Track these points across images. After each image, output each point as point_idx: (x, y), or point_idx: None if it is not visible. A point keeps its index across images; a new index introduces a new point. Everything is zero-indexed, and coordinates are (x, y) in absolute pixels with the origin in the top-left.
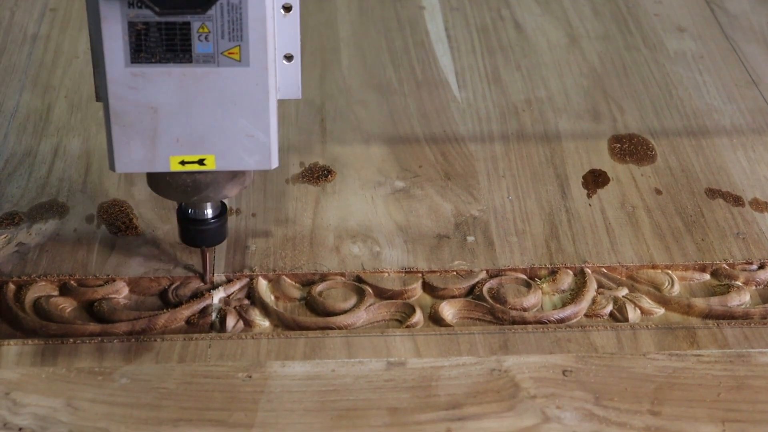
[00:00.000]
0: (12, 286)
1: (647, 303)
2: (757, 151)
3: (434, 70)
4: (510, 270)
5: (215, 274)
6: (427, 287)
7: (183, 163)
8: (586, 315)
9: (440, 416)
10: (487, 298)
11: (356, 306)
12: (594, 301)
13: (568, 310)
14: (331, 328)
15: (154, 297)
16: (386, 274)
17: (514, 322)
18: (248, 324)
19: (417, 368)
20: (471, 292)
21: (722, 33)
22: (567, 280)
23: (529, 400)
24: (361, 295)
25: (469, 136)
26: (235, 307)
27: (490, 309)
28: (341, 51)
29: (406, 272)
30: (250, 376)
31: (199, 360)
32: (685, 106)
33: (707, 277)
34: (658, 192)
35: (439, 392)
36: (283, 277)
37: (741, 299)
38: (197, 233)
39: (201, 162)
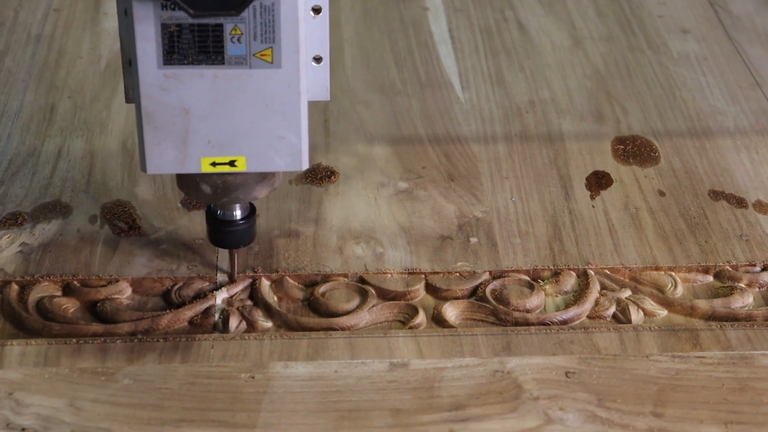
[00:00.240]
0: (15, 287)
1: (650, 305)
2: (761, 152)
3: (437, 71)
4: (513, 271)
5: (218, 274)
6: (430, 288)
7: (214, 164)
8: (589, 316)
9: (443, 417)
10: (490, 299)
11: (359, 307)
12: (597, 303)
13: (571, 312)
14: (334, 329)
15: (157, 297)
16: (389, 275)
17: (517, 323)
18: (251, 325)
19: (420, 369)
20: (474, 293)
21: (726, 35)
22: (570, 281)
23: (531, 402)
24: (364, 296)
25: (473, 137)
26: (238, 308)
27: (493, 310)
28: (345, 51)
29: (409, 273)
30: (253, 377)
31: (202, 360)
32: (688, 107)
33: (710, 278)
34: (662, 194)
35: (441, 393)
36: (286, 277)
37: (744, 301)
38: (225, 234)
39: (232, 163)
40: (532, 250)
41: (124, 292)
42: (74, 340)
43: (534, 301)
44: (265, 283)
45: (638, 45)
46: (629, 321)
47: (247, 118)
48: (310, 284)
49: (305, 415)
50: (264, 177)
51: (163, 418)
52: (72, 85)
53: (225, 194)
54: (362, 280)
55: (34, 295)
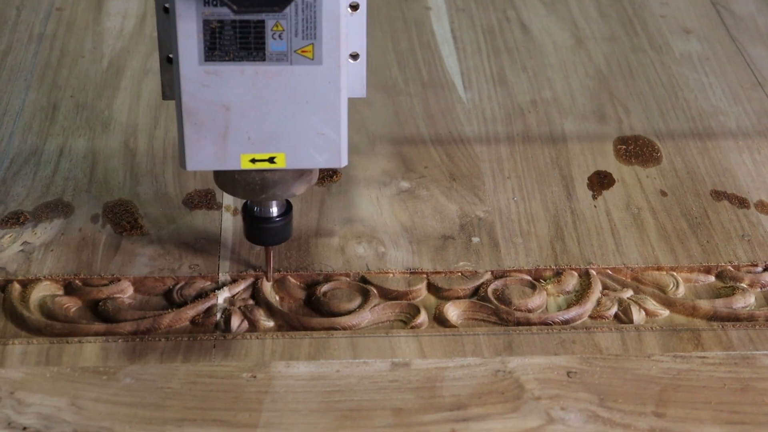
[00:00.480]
0: (17, 286)
1: (652, 305)
2: (763, 153)
3: (440, 70)
4: (515, 271)
5: (220, 274)
6: (432, 288)
7: (253, 161)
8: (590, 316)
9: (444, 417)
10: (492, 299)
11: (361, 306)
12: (599, 303)
13: (573, 312)
14: (336, 329)
15: (159, 297)
16: (391, 275)
17: (518, 323)
18: (253, 324)
19: (421, 369)
20: (476, 293)
21: (728, 35)
22: (572, 281)
23: (533, 402)
24: (365, 295)
25: (475, 137)
26: (239, 307)
27: (495, 310)
28: None
29: (411, 273)
30: (255, 376)
31: (204, 360)
32: (690, 107)
33: (712, 279)
34: (664, 194)
35: (443, 393)
36: (288, 277)
37: (746, 301)
38: (261, 231)
39: (271, 160)
40: (534, 249)
41: (125, 292)
42: (76, 340)
43: (536, 300)
44: (266, 283)
45: (640, 45)
46: (631, 321)
47: (287, 114)
48: (312, 284)
49: (307, 415)
50: (302, 174)
51: (165, 417)
52: (74, 84)
53: (263, 191)
54: (364, 280)
55: (36, 294)
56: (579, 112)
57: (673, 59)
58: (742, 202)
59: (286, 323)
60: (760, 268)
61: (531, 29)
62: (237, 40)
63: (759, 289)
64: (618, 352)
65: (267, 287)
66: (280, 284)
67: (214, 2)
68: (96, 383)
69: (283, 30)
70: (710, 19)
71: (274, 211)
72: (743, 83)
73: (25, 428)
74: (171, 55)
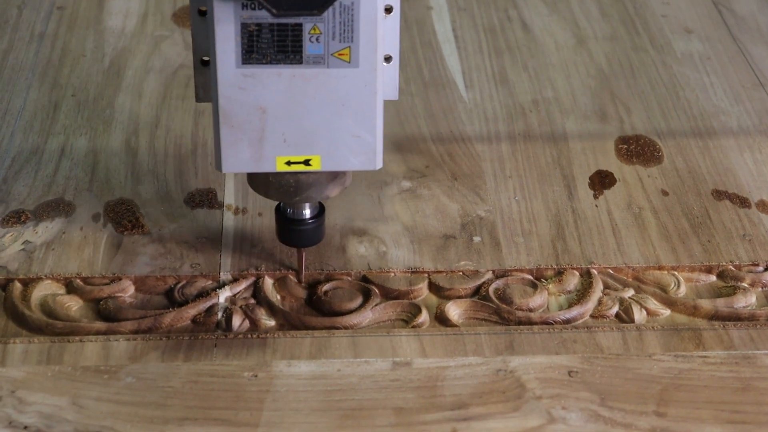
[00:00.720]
0: (18, 285)
1: (653, 304)
2: (764, 152)
3: (441, 70)
4: (516, 270)
5: (221, 273)
6: (433, 287)
7: (289, 163)
8: (592, 316)
9: (446, 416)
10: (493, 298)
11: (362, 306)
12: (600, 302)
13: (574, 311)
14: (337, 328)
15: (160, 296)
16: (392, 274)
17: (520, 322)
18: (254, 323)
19: (423, 368)
20: (477, 292)
21: (729, 34)
22: (573, 280)
23: (534, 401)
24: (367, 294)
25: (476, 136)
26: (241, 307)
27: (496, 309)
28: None
29: (413, 272)
30: (256, 376)
31: (205, 359)
32: (692, 107)
33: (713, 278)
34: (665, 193)
35: (444, 392)
36: (290, 276)
37: (747, 301)
38: (294, 233)
39: (307, 162)
40: (535, 249)
41: (127, 291)
42: (77, 339)
43: (537, 300)
44: (268, 282)
45: (642, 45)
46: (632, 320)
47: (323, 117)
48: (314, 283)
49: (308, 414)
50: (336, 176)
51: (166, 416)
52: (75, 83)
53: (297, 193)
54: (365, 279)
55: (37, 293)
56: (580, 111)
57: (675, 59)
58: (743, 202)
59: (288, 322)
60: (761, 268)
61: (532, 28)
62: (274, 43)
63: (760, 289)
64: (619, 351)
65: (268, 286)
66: (281, 283)
67: (252, 5)
68: (97, 382)
69: (321, 33)
70: (711, 19)
71: (307, 213)
72: (744, 83)
73: (26, 427)
74: (205, 58)
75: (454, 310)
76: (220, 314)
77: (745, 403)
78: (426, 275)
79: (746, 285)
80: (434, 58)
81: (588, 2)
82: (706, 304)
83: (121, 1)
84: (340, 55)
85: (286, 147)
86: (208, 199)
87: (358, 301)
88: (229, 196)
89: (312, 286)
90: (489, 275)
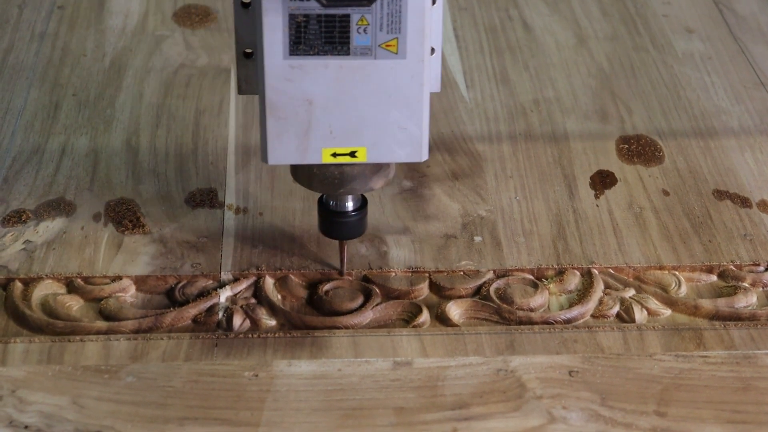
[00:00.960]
0: (19, 284)
1: (654, 304)
2: (765, 152)
3: (442, 69)
4: (517, 270)
5: (222, 273)
6: (434, 287)
7: (335, 155)
8: (592, 316)
9: (446, 416)
10: (494, 298)
11: (363, 305)
12: (601, 302)
13: (575, 311)
14: (338, 328)
15: (161, 295)
16: (393, 274)
17: (520, 322)
18: (255, 323)
19: (423, 368)
20: (478, 292)
21: (730, 34)
22: (574, 280)
23: (535, 401)
24: (367, 294)
25: (477, 136)
26: (241, 306)
27: (497, 309)
28: None
29: (413, 272)
30: (257, 375)
31: (206, 359)
32: (693, 107)
33: (714, 278)
34: (666, 193)
35: (445, 392)
36: (290, 276)
37: (748, 301)
38: (336, 225)
39: (353, 154)
40: (536, 249)
41: (127, 290)
42: (78, 338)
43: (538, 300)
44: (269, 282)
45: (643, 44)
46: (633, 320)
47: (370, 108)
48: (314, 283)
49: (309, 414)
50: (380, 168)
51: (167, 416)
52: (76, 82)
53: (341, 185)
54: (366, 279)
55: (38, 292)
56: (581, 111)
57: (676, 58)
58: (744, 202)
59: (288, 322)
60: (762, 268)
61: (533, 28)
62: (322, 34)
63: (761, 289)
64: (620, 351)
65: (269, 286)
66: (281, 283)
67: None
68: (98, 382)
69: (368, 24)
70: (712, 19)
71: (350, 205)
72: (745, 83)
73: (26, 427)
74: (248, 50)
75: (454, 310)
76: (220, 314)
77: (745, 402)
78: (427, 275)
79: (747, 285)
80: None
81: (589, 2)
82: (706, 304)
83: (121, 1)
84: (387, 46)
85: (332, 139)
86: (209, 198)
87: (359, 300)
88: (230, 195)
89: (312, 286)
90: (490, 275)
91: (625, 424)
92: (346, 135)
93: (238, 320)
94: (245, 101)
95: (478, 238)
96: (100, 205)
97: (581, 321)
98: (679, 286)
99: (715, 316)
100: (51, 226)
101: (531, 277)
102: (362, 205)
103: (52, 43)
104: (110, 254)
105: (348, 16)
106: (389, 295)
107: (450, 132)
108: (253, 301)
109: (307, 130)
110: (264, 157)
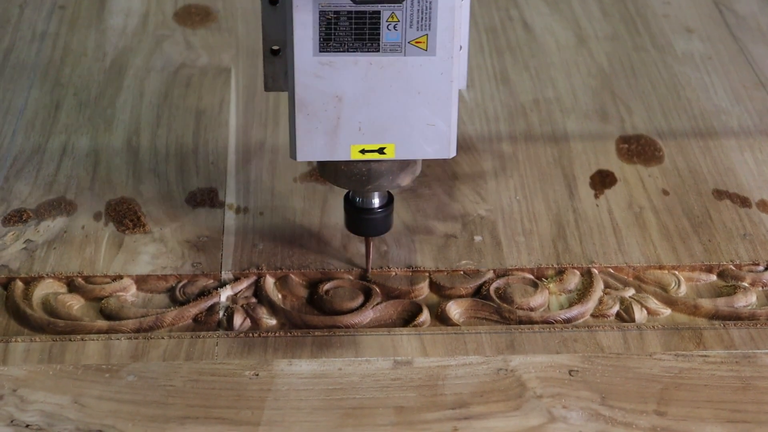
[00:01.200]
0: (20, 284)
1: (654, 303)
2: (765, 152)
3: None
4: (517, 270)
5: (222, 272)
6: (434, 286)
7: (363, 151)
8: (592, 315)
9: (446, 415)
10: (494, 297)
11: (363, 305)
12: (601, 302)
13: (575, 310)
14: (338, 327)
15: (162, 295)
16: (393, 273)
17: (520, 321)
18: (255, 322)
19: (423, 367)
20: (478, 291)
21: (730, 34)
22: (574, 280)
23: (535, 400)
24: (368, 294)
25: (477, 135)
26: (242, 306)
27: (497, 308)
28: None
29: (414, 271)
30: (257, 374)
31: (206, 358)
32: (692, 107)
33: (714, 278)
34: (666, 193)
35: (445, 391)
36: (291, 275)
37: (747, 300)
38: (363, 222)
39: (381, 151)
40: (536, 248)
41: (128, 290)
42: (79, 337)
43: (538, 299)
44: (269, 281)
45: (643, 44)
46: (633, 320)
47: (399, 105)
48: (315, 282)
49: (309, 413)
50: (407, 165)
51: (167, 415)
52: (77, 82)
53: (369, 182)
54: (366, 278)
55: (39, 292)
56: (581, 111)
57: (676, 58)
58: (743, 202)
59: (289, 321)
60: (761, 267)
61: (533, 28)
62: (352, 31)
63: (760, 288)
64: (620, 350)
65: (270, 285)
66: (282, 282)
67: None
68: (99, 381)
69: (399, 21)
70: (712, 19)
71: (376, 202)
72: (745, 83)
73: (27, 426)
74: (275, 48)
75: (454, 310)
76: (221, 313)
77: (745, 402)
78: (427, 274)
79: (746, 284)
80: None
81: (589, 2)
82: (706, 303)
83: (122, 1)
84: (417, 43)
85: (361, 135)
86: (209, 198)
87: (359, 300)
88: (231, 195)
89: (313, 285)
90: (490, 274)
91: (625, 424)
92: (375, 131)
93: (238, 319)
94: (245, 101)
95: (478, 238)
96: (100, 205)
97: (581, 320)
98: (679, 285)
99: (715, 316)
100: (52, 226)
101: (531, 276)
102: (388, 201)
103: (53, 42)
104: (111, 253)
105: (378, 12)
106: (389, 294)
107: None
108: (253, 300)
109: (336, 127)
110: (293, 154)
